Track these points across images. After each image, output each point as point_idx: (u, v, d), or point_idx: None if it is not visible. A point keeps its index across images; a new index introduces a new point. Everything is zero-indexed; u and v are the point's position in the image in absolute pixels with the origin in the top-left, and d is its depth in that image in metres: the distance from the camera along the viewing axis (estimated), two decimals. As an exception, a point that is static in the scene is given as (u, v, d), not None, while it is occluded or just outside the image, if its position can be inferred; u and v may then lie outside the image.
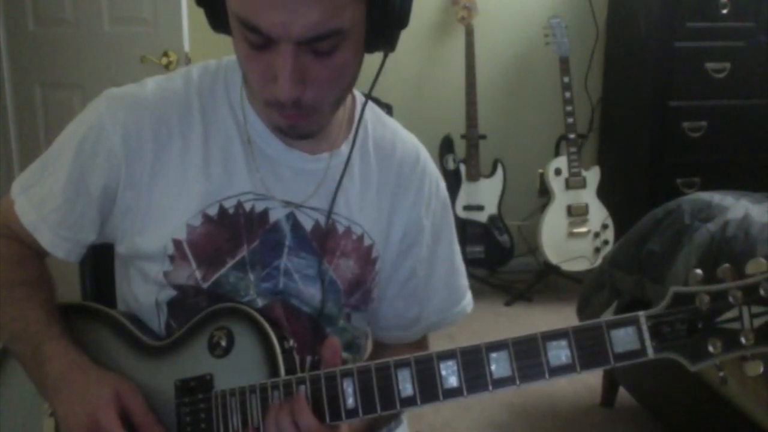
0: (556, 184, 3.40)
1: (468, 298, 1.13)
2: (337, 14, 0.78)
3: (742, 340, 0.72)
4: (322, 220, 0.98)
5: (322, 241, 0.98)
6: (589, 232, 3.40)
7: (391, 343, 1.12)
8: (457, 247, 1.12)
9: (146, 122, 0.94)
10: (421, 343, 1.14)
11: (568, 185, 3.41)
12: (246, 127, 0.97)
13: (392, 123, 1.09)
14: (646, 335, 0.74)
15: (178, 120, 0.96)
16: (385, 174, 1.03)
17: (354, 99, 1.05)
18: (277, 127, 0.91)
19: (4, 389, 0.99)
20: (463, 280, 1.13)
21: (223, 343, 0.91)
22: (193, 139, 0.96)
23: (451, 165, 3.46)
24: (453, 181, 3.47)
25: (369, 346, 1.15)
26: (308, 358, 0.99)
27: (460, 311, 1.12)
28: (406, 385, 0.81)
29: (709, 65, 3.25)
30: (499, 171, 3.49)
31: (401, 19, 0.84)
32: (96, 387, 0.87)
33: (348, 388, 0.82)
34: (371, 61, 0.92)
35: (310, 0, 0.76)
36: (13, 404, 0.98)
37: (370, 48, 0.87)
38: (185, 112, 0.96)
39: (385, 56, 0.91)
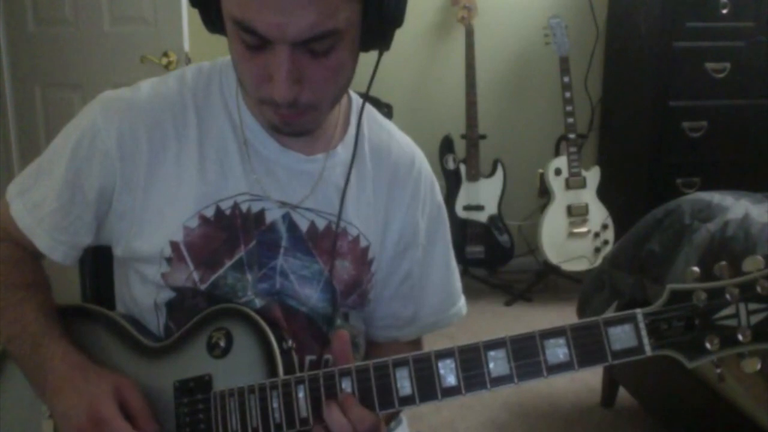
0: (556, 184, 3.40)
1: (462, 300, 1.14)
2: (333, 15, 0.78)
3: (739, 337, 0.72)
4: (317, 221, 0.98)
5: (318, 241, 0.98)
6: (589, 232, 3.40)
7: (387, 343, 1.12)
8: (451, 250, 1.12)
9: (141, 125, 0.94)
10: (416, 343, 1.14)
11: (568, 185, 3.40)
12: (241, 127, 0.97)
13: (387, 124, 1.09)
14: (644, 332, 0.74)
15: (172, 122, 0.96)
16: (380, 175, 1.03)
17: (350, 100, 1.05)
18: (272, 125, 0.91)
19: (3, 392, 0.99)
20: (458, 283, 1.13)
21: (222, 343, 0.91)
22: (189, 141, 0.96)
23: (451, 165, 3.46)
24: (453, 181, 3.47)
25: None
26: (307, 358, 1.00)
27: (456, 313, 1.12)
28: (404, 384, 0.81)
29: (709, 65, 3.24)
30: (499, 171, 3.49)
31: (396, 18, 0.85)
32: (95, 383, 0.87)
33: (347, 387, 0.83)
34: (368, 61, 0.93)
35: (305, 2, 0.76)
36: (13, 406, 0.98)
37: (366, 47, 0.87)
38: (180, 114, 0.96)
39: (380, 55, 0.91)
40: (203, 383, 0.90)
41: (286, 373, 0.87)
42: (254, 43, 0.81)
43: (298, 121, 0.89)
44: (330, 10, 0.78)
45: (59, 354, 0.90)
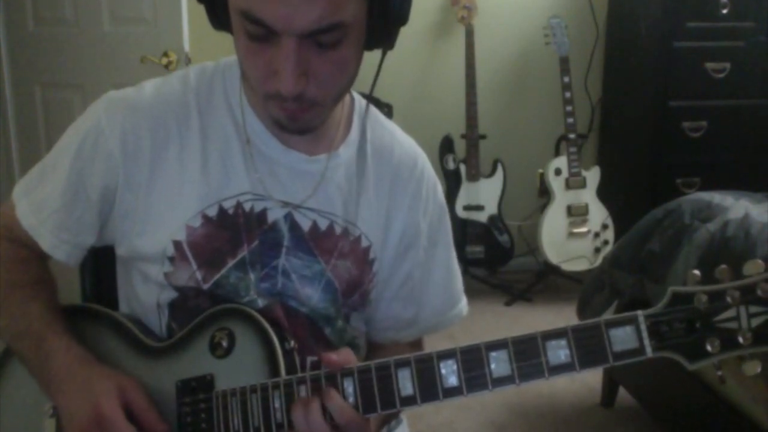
0: (556, 184, 3.40)
1: (464, 301, 1.14)
2: (340, 8, 0.78)
3: (740, 339, 0.73)
4: (319, 221, 0.99)
5: (320, 241, 0.98)
6: (589, 232, 3.41)
7: (387, 344, 1.12)
8: (453, 252, 1.12)
9: (144, 125, 0.95)
10: (417, 344, 1.14)
11: (568, 185, 3.41)
12: (244, 127, 0.98)
13: (390, 125, 1.09)
14: (645, 334, 0.75)
15: (176, 122, 0.96)
16: (382, 176, 1.03)
17: (353, 100, 1.05)
18: (276, 121, 0.91)
19: (4, 391, 0.99)
20: (459, 285, 1.13)
21: (225, 343, 0.91)
22: (192, 141, 0.96)
23: (451, 165, 3.47)
24: (453, 181, 3.47)
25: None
26: (309, 359, 1.00)
27: (456, 314, 1.12)
28: (406, 385, 0.81)
29: (709, 65, 3.24)
30: (499, 171, 3.49)
31: (401, 16, 0.85)
32: (100, 381, 0.87)
33: (348, 387, 0.83)
34: (371, 61, 0.93)
35: None
36: (14, 406, 0.98)
37: (370, 45, 0.87)
38: (183, 114, 0.97)
39: (384, 54, 0.91)
40: (205, 383, 0.90)
41: (288, 373, 0.87)
42: (259, 33, 0.80)
43: (302, 117, 0.89)
44: (337, 3, 0.78)
45: (63, 348, 0.91)
